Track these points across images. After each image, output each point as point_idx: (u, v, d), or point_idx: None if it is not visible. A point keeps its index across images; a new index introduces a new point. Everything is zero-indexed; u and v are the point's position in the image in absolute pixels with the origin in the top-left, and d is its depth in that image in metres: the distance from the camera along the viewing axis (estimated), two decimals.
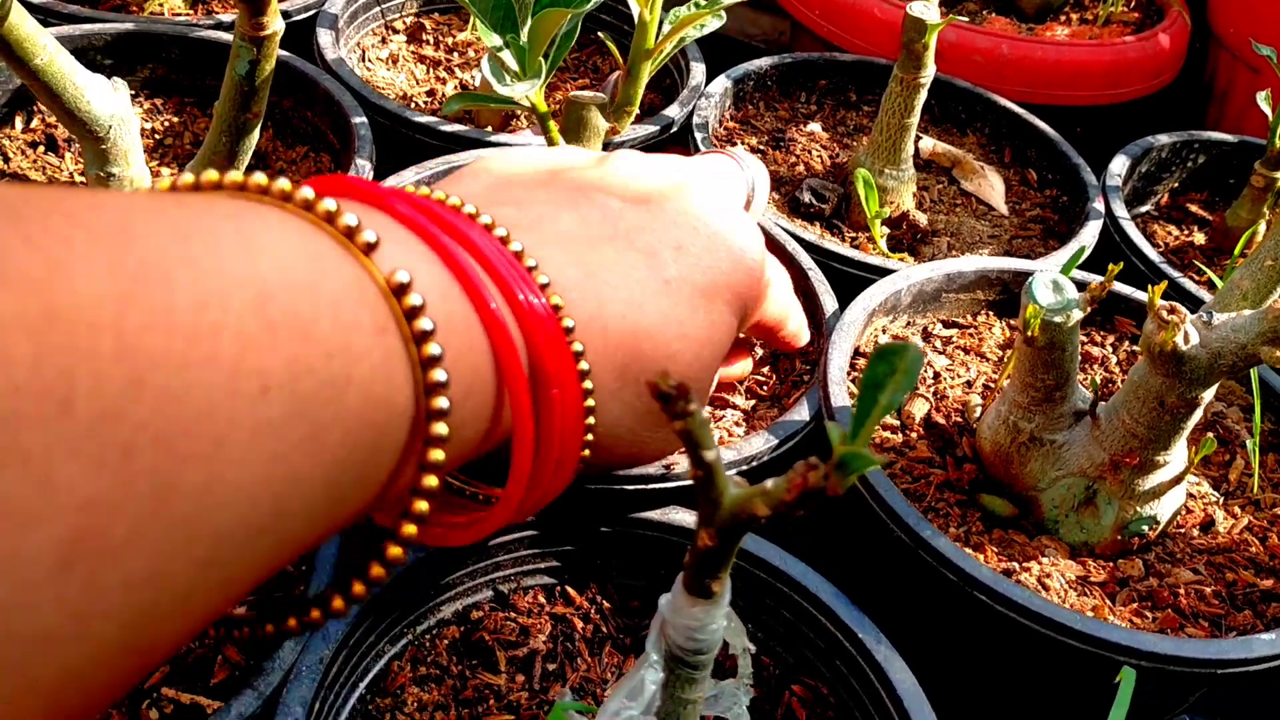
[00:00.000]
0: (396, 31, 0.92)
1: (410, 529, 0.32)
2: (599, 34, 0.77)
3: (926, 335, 0.68)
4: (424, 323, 0.30)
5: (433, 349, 0.30)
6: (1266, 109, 0.80)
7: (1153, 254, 0.75)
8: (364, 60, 0.88)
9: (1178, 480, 0.54)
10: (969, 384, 0.64)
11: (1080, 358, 0.67)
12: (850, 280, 0.68)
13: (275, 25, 0.54)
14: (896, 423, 0.61)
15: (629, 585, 0.55)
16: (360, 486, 0.29)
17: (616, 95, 0.89)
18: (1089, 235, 0.75)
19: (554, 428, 0.36)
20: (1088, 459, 0.55)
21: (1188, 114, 1.16)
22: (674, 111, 0.80)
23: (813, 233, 0.76)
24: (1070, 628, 0.48)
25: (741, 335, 0.54)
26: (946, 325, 0.69)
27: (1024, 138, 0.89)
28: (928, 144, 0.88)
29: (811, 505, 0.31)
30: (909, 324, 0.68)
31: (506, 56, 0.52)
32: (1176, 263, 0.83)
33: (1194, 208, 0.92)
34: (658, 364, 0.41)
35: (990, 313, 0.70)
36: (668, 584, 0.36)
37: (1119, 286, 0.69)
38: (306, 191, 0.30)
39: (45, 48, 0.55)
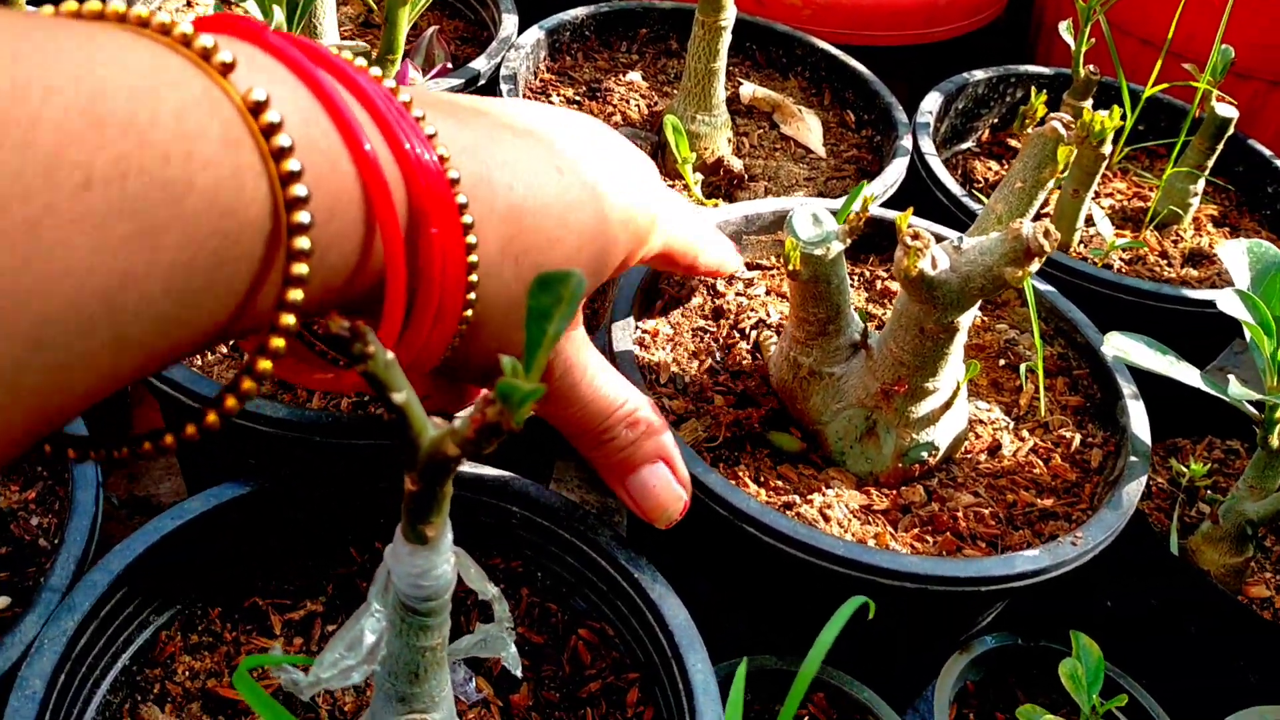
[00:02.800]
0: None
1: (278, 342, 0.32)
2: None
3: (731, 278, 0.68)
4: (281, 139, 0.30)
5: (291, 165, 0.30)
6: (1068, 38, 0.82)
7: (956, 189, 0.76)
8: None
9: (948, 405, 0.55)
10: (764, 323, 0.64)
11: (880, 292, 0.68)
12: None
13: None
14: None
15: None
16: (212, 296, 0.30)
17: (431, 53, 0.87)
18: (894, 173, 0.76)
19: (434, 270, 0.37)
20: (864, 389, 0.55)
21: (1022, 51, 1.18)
22: (480, 64, 0.79)
23: None
24: (830, 553, 0.49)
25: (648, 257, 0.50)
26: (750, 268, 0.69)
27: (842, 79, 0.89)
28: (748, 90, 0.88)
29: (495, 441, 0.31)
30: None
31: (251, 6, 0.51)
32: (986, 197, 0.84)
33: (1014, 142, 0.93)
34: (541, 241, 0.41)
35: None
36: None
37: (916, 221, 0.70)
38: (162, 17, 0.30)
39: None
